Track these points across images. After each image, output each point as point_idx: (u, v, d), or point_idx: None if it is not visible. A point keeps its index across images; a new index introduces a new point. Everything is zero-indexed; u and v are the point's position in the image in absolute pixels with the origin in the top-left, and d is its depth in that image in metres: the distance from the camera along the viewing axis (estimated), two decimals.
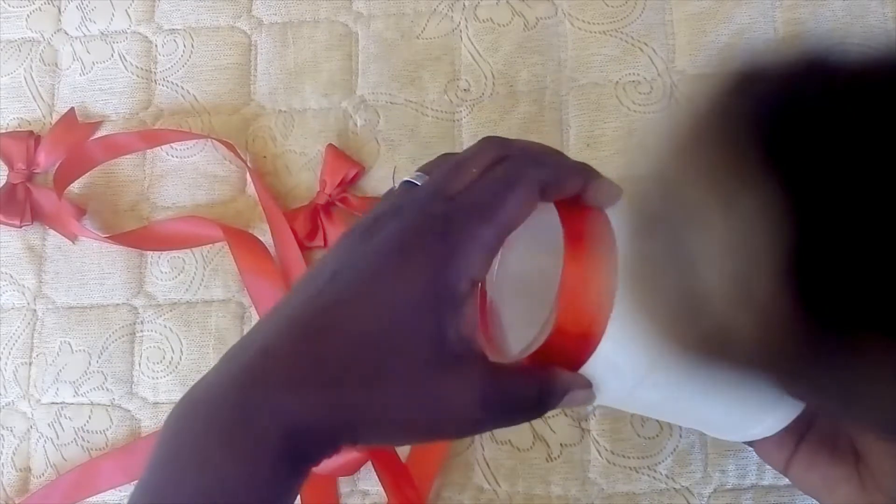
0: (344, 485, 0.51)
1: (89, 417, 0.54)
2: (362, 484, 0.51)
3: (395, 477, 0.49)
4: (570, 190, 0.32)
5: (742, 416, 0.38)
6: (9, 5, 0.62)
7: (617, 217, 0.33)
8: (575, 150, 0.54)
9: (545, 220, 0.33)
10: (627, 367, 0.33)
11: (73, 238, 0.57)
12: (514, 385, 0.32)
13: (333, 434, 0.29)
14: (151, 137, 0.57)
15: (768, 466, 0.48)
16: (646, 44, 0.55)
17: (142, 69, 0.59)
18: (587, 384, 0.33)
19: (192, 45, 0.59)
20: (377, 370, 0.29)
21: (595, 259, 0.31)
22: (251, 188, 0.56)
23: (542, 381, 0.32)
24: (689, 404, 0.37)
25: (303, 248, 0.54)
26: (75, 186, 0.57)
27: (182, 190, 0.57)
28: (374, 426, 0.29)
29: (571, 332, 0.32)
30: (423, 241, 0.30)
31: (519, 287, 0.38)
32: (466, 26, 0.57)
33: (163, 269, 0.55)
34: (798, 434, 0.39)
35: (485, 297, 0.38)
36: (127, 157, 0.58)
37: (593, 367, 0.33)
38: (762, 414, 0.38)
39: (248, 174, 0.56)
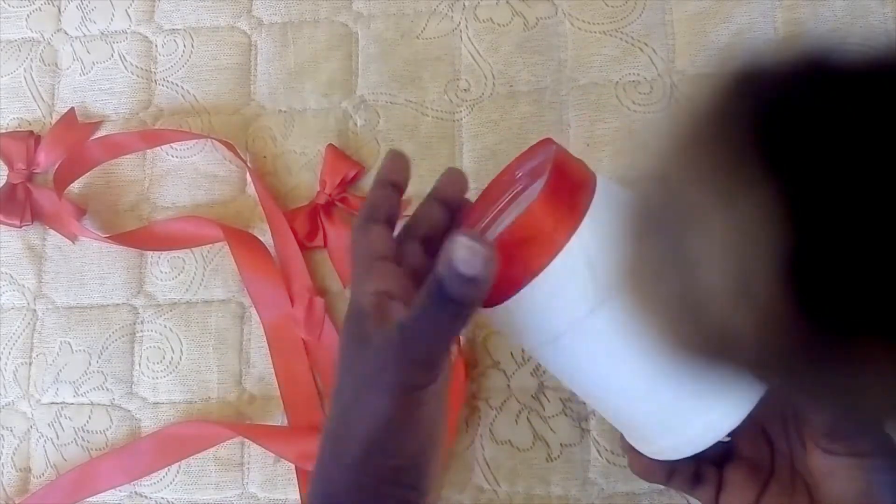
0: None
1: (89, 417, 0.54)
2: None
3: None
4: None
5: (691, 396, 0.36)
6: (9, 5, 0.62)
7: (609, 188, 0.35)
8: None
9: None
10: (578, 291, 0.33)
11: (73, 238, 0.57)
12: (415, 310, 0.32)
13: None
14: (151, 137, 0.57)
15: None
16: (646, 44, 0.55)
17: (142, 69, 0.59)
18: (464, 243, 0.30)
19: (192, 45, 0.59)
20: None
21: (559, 214, 0.33)
22: (251, 188, 0.56)
23: (430, 280, 0.31)
24: (634, 365, 0.35)
25: (303, 248, 0.54)
26: (75, 186, 0.57)
27: (182, 190, 0.57)
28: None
29: (539, 228, 0.33)
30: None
31: None
32: (466, 26, 0.57)
33: (163, 269, 0.55)
34: (760, 483, 0.39)
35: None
36: (127, 157, 0.58)
37: (546, 281, 0.33)
38: (714, 400, 0.36)
39: (248, 174, 0.56)
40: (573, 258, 0.33)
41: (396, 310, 0.33)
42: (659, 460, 0.39)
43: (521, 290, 0.34)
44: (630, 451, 0.41)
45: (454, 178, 0.38)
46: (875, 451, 0.35)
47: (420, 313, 0.32)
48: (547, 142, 0.38)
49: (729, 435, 0.36)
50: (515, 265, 0.33)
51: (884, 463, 0.35)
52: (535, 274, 0.33)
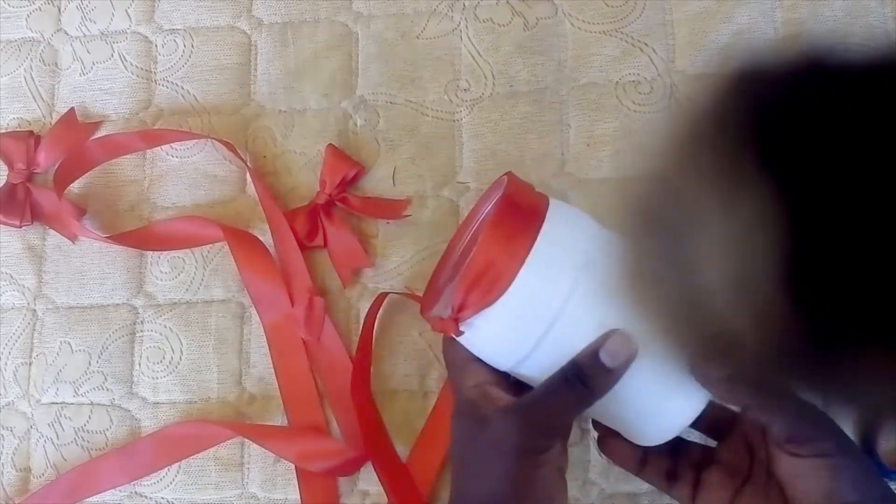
0: (344, 485, 0.51)
1: (89, 417, 0.54)
2: (362, 484, 0.51)
3: (395, 477, 0.49)
4: None
5: (672, 376, 0.38)
6: (9, 5, 0.62)
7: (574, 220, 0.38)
8: (575, 150, 0.54)
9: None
10: (538, 308, 0.36)
11: (73, 238, 0.57)
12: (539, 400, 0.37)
13: None
14: (151, 137, 0.57)
15: None
16: (646, 44, 0.55)
17: (142, 69, 0.59)
18: (622, 337, 0.36)
19: (192, 45, 0.59)
20: None
21: (509, 243, 0.37)
22: (251, 188, 0.56)
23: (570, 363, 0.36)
24: None
25: (303, 248, 0.54)
26: (75, 186, 0.57)
27: (182, 190, 0.57)
28: None
29: (490, 261, 0.36)
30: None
31: None
32: (466, 26, 0.57)
33: (163, 269, 0.55)
34: (736, 486, 0.40)
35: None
36: (127, 157, 0.58)
37: (507, 304, 0.36)
38: (679, 388, 0.38)
39: (248, 174, 0.56)
40: (530, 277, 0.36)
41: (498, 393, 0.38)
42: (632, 447, 0.41)
43: (486, 313, 0.37)
44: (605, 434, 0.42)
45: None
46: (836, 450, 0.37)
47: (548, 389, 0.36)
48: (501, 178, 0.41)
49: (696, 424, 0.38)
50: (476, 294, 0.37)
51: (845, 461, 0.36)
52: (491, 302, 0.36)
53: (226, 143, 0.56)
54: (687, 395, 0.38)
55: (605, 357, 0.35)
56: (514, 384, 0.39)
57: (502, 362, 0.39)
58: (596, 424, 0.43)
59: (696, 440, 0.43)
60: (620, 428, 0.41)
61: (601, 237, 0.38)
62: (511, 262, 0.36)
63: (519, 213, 0.38)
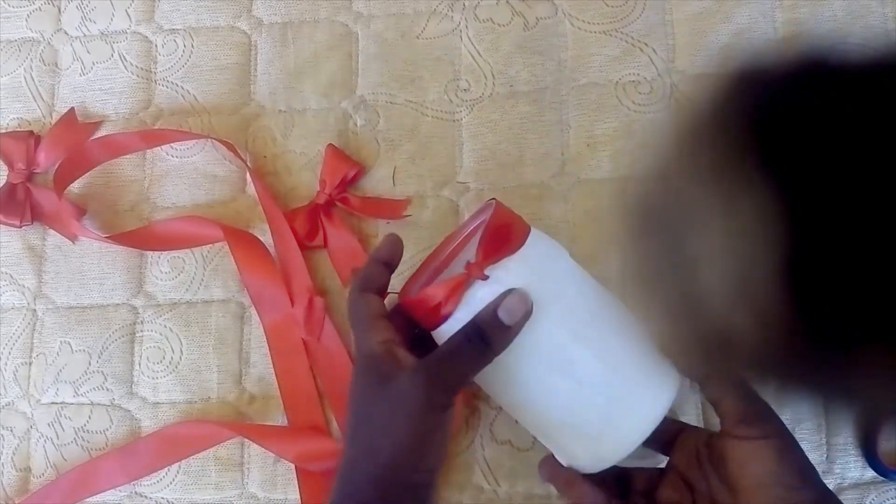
0: None
1: (89, 417, 0.54)
2: None
3: None
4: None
5: (615, 402, 0.40)
6: (9, 5, 0.62)
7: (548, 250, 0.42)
8: (575, 150, 0.54)
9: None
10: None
11: (73, 238, 0.57)
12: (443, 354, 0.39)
13: None
14: (151, 137, 0.57)
15: None
16: (646, 44, 0.55)
17: (142, 69, 0.59)
18: (519, 295, 0.38)
19: (192, 45, 0.59)
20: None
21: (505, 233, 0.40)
22: (251, 188, 0.56)
23: (470, 325, 0.39)
24: (589, 350, 0.40)
25: (303, 247, 0.54)
26: (75, 186, 0.57)
27: (182, 190, 0.57)
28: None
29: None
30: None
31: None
32: (466, 26, 0.57)
33: (163, 269, 0.55)
34: None
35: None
36: (127, 157, 0.58)
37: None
38: (666, 376, 0.40)
39: (248, 174, 0.56)
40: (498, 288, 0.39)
41: (403, 354, 0.39)
42: (579, 475, 0.42)
43: (505, 264, 0.39)
44: (549, 466, 0.43)
45: (392, 242, 0.44)
46: (782, 433, 0.40)
47: (451, 348, 0.39)
48: (489, 204, 0.43)
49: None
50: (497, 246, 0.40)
51: (789, 445, 0.39)
52: (511, 252, 0.40)
53: (226, 143, 0.56)
54: (638, 414, 0.40)
55: (503, 314, 0.38)
56: (415, 344, 0.41)
57: None
58: (546, 461, 0.44)
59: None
60: (571, 449, 0.42)
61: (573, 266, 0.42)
62: (521, 225, 0.41)
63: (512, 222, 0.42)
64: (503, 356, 0.39)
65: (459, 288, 0.39)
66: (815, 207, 0.19)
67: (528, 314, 0.38)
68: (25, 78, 0.60)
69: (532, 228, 0.42)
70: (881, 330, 0.19)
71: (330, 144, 0.55)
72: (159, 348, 0.54)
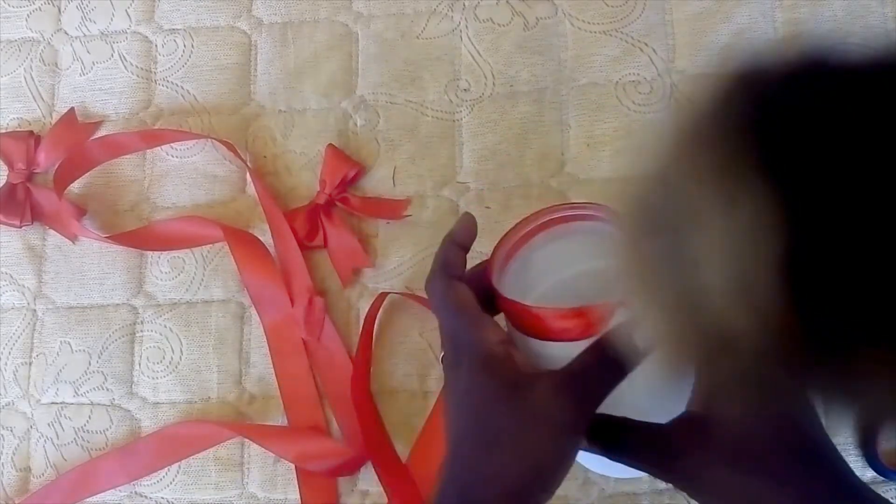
0: (344, 485, 0.51)
1: (89, 417, 0.54)
2: (362, 484, 0.51)
3: (395, 477, 0.49)
4: None
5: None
6: (9, 5, 0.62)
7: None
8: (575, 150, 0.54)
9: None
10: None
11: (73, 238, 0.57)
12: (582, 367, 0.35)
13: None
14: (151, 137, 0.57)
15: None
16: (646, 44, 0.55)
17: (142, 69, 0.59)
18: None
19: (192, 45, 0.59)
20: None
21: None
22: (251, 188, 0.56)
23: (599, 345, 0.34)
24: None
25: (303, 248, 0.54)
26: (75, 186, 0.57)
27: (182, 190, 0.57)
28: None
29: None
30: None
31: (556, 287, 0.41)
32: (466, 26, 0.57)
33: (163, 269, 0.55)
34: None
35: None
36: (127, 157, 0.58)
37: None
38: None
39: (248, 174, 0.56)
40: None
41: (523, 361, 0.36)
42: None
43: None
44: None
45: (468, 223, 0.41)
46: None
47: (585, 366, 0.34)
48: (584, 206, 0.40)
49: None
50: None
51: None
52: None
53: (226, 143, 0.56)
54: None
55: (640, 340, 0.33)
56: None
57: None
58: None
59: None
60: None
61: None
62: None
63: None
64: None
65: (598, 324, 0.35)
66: (815, 208, 0.19)
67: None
68: (25, 78, 0.60)
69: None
70: (881, 330, 0.19)
71: (330, 144, 0.55)
72: (159, 348, 0.54)
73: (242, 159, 0.56)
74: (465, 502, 0.34)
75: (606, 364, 0.34)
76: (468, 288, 0.38)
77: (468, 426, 0.36)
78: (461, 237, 0.40)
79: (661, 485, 0.48)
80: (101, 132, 0.58)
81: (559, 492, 0.48)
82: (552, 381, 0.34)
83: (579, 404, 0.34)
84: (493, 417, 0.35)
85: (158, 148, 0.57)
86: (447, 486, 0.35)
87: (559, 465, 0.34)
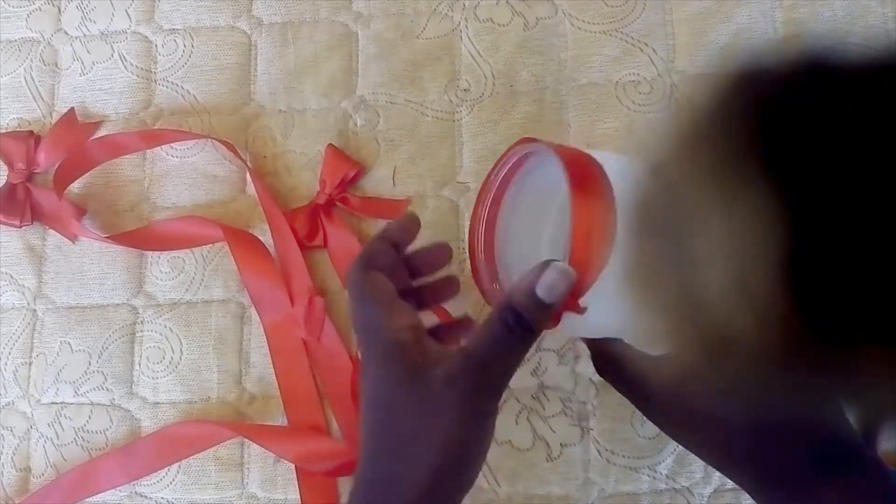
0: (344, 485, 0.51)
1: (89, 417, 0.54)
2: None
3: None
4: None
5: None
6: (9, 5, 0.62)
7: (613, 164, 0.35)
8: None
9: (545, 164, 0.37)
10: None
11: (73, 238, 0.57)
12: (481, 342, 0.33)
13: None
14: (151, 137, 0.57)
15: None
16: (646, 44, 0.55)
17: (142, 69, 0.59)
18: (560, 269, 0.33)
19: (192, 45, 0.59)
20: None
21: (597, 206, 0.33)
22: (251, 188, 0.56)
23: (500, 311, 0.33)
24: None
25: (303, 248, 0.54)
26: (75, 186, 0.57)
27: (182, 190, 0.57)
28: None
29: (578, 269, 0.33)
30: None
31: (522, 223, 0.41)
32: (466, 26, 0.57)
33: (163, 269, 0.55)
34: None
35: (490, 230, 0.40)
36: (127, 157, 0.58)
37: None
38: None
39: (248, 174, 0.56)
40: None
41: (433, 345, 0.34)
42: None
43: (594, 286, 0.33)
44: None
45: (406, 223, 0.40)
46: None
47: (490, 342, 0.33)
48: (525, 141, 0.40)
49: None
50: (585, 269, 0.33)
51: None
52: (602, 267, 0.33)
53: (226, 143, 0.56)
54: None
55: (542, 292, 0.32)
56: (429, 331, 0.36)
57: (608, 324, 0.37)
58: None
59: None
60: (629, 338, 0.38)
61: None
62: (605, 225, 0.33)
63: (587, 181, 0.35)
64: None
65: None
66: (815, 207, 0.19)
67: (570, 287, 0.32)
68: (25, 78, 0.60)
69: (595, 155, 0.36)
70: (882, 330, 0.19)
71: (330, 144, 0.55)
72: (159, 348, 0.54)
73: (242, 159, 0.56)
74: (379, 497, 0.33)
75: (512, 330, 0.32)
76: (385, 279, 0.36)
77: (376, 420, 0.34)
78: (393, 234, 0.39)
79: (661, 485, 0.49)
80: (101, 132, 0.58)
81: (559, 491, 0.49)
82: (450, 364, 0.33)
83: (480, 386, 0.32)
84: (395, 409, 0.33)
85: (158, 148, 0.57)
86: (362, 484, 0.34)
87: (468, 453, 0.33)
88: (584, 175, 0.35)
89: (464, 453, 0.33)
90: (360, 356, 0.37)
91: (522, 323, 0.32)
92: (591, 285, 0.33)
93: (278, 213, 0.54)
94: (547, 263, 0.33)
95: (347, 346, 0.52)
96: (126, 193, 0.57)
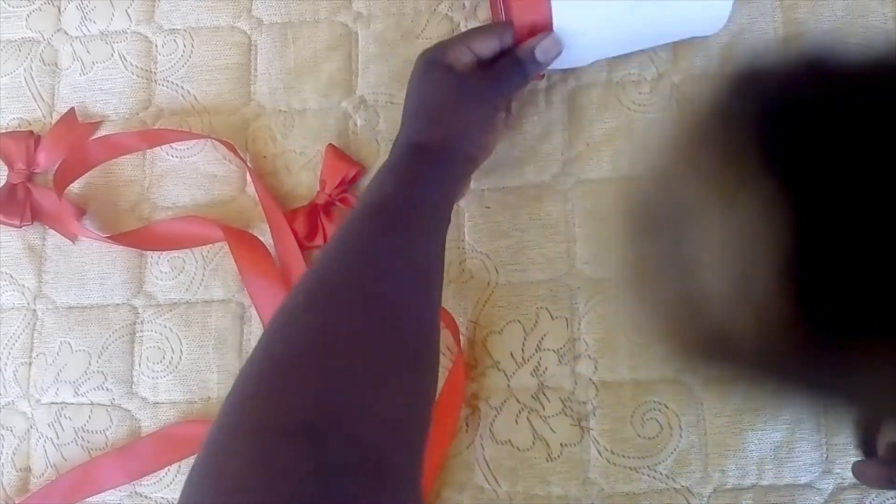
0: None
1: (89, 417, 0.54)
2: None
3: None
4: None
5: None
6: (9, 5, 0.62)
7: None
8: (575, 150, 0.54)
9: None
10: None
11: (73, 238, 0.57)
12: (501, 69, 0.48)
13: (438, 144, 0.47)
14: (151, 137, 0.57)
15: (768, 467, 0.48)
16: None
17: (142, 69, 0.59)
18: (554, 40, 0.48)
19: (192, 45, 0.59)
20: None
21: None
22: (251, 188, 0.56)
23: (516, 53, 0.48)
24: None
25: (303, 248, 0.54)
26: (75, 186, 0.57)
27: (182, 190, 0.57)
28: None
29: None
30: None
31: None
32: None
33: (163, 269, 0.55)
34: None
35: None
36: (127, 157, 0.58)
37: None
38: None
39: (248, 174, 0.56)
40: None
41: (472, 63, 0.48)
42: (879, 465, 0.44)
43: None
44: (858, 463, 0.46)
45: (490, 38, 0.50)
46: None
47: (502, 69, 0.48)
48: None
49: None
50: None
51: None
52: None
53: (226, 143, 0.56)
54: None
55: (539, 54, 0.48)
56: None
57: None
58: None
59: None
60: (684, 32, 0.51)
61: None
62: None
63: None
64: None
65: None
66: (815, 207, 0.19)
67: (559, 54, 0.48)
68: (25, 78, 0.60)
69: None
70: (882, 330, 0.19)
71: (330, 144, 0.55)
72: (159, 348, 0.54)
73: (242, 159, 0.56)
74: (422, 135, 0.47)
75: (515, 70, 0.48)
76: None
77: (423, 96, 0.48)
78: (474, 45, 0.48)
79: (661, 485, 0.49)
80: (101, 132, 0.58)
81: (559, 491, 0.49)
82: (480, 73, 0.48)
83: (496, 90, 0.48)
84: (440, 90, 0.48)
85: (158, 148, 0.57)
86: (400, 136, 0.47)
87: (486, 125, 0.48)
88: None
89: (482, 124, 0.48)
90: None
91: (522, 67, 0.48)
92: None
93: (278, 213, 0.54)
94: (548, 34, 0.48)
95: None
96: (126, 193, 0.57)
